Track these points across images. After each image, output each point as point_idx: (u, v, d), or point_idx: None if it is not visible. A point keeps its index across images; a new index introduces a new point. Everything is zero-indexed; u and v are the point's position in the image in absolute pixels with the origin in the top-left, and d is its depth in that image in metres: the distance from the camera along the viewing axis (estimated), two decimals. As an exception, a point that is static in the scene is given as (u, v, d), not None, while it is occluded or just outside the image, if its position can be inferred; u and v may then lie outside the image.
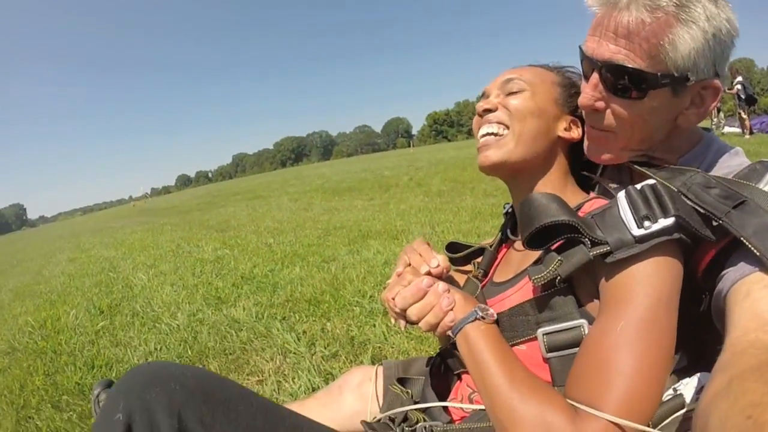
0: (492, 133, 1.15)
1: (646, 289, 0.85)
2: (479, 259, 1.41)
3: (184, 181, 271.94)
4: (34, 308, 6.17)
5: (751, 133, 16.52)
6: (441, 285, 1.06)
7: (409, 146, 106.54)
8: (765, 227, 0.79)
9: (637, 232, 0.86)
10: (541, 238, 0.95)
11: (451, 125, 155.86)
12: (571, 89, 1.19)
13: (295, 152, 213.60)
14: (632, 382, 0.79)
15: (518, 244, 1.19)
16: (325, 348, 3.01)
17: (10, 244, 33.08)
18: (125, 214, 31.37)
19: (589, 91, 1.08)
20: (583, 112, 1.16)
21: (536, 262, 1.01)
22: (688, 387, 0.88)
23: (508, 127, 1.14)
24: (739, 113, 17.32)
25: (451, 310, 1.03)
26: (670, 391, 0.89)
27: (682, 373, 0.93)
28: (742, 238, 0.79)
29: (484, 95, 1.22)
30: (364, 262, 5.08)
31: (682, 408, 0.86)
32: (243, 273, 5.58)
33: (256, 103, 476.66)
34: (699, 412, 0.66)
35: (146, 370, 1.03)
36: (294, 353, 3.03)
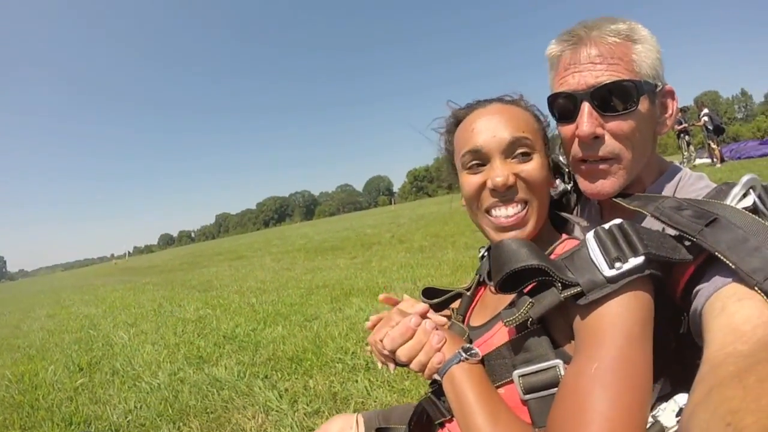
0: (516, 213, 1.11)
1: (618, 329, 0.84)
2: (457, 304, 1.41)
3: (167, 241, 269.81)
4: (11, 362, 6.08)
5: (722, 161, 17.10)
6: (429, 323, 1.06)
7: (391, 203, 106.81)
8: (738, 241, 0.81)
9: (609, 272, 0.87)
10: (514, 282, 0.95)
11: (431, 181, 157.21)
12: (545, 134, 1.20)
13: (278, 212, 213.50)
14: (610, 423, 0.78)
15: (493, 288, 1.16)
16: (308, 405, 3.02)
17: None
18: (107, 272, 31.01)
19: (586, 120, 1.12)
20: (577, 151, 1.19)
21: (510, 305, 1.02)
22: (666, 411, 0.88)
23: (526, 201, 1.12)
24: (709, 144, 17.94)
25: (441, 348, 1.03)
26: (649, 419, 0.88)
27: (663, 399, 0.93)
28: (717, 253, 0.81)
29: (477, 153, 1.13)
30: (347, 320, 5.10)
31: None
32: (225, 332, 5.56)
33: (239, 163, 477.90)
34: (681, 426, 0.67)
35: None
36: (276, 411, 3.03)
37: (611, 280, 0.87)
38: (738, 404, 0.55)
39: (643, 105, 1.13)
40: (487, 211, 1.14)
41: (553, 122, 1.24)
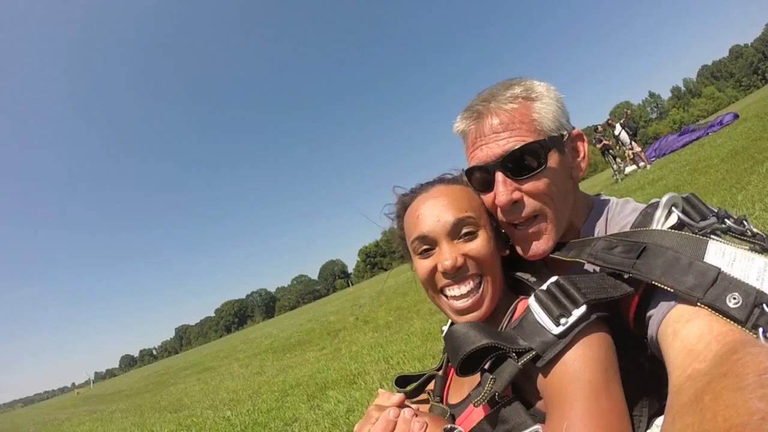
0: (470, 291, 1.16)
1: (581, 383, 0.87)
2: (431, 387, 1.42)
3: (129, 362, 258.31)
4: None
5: (649, 163, 17.94)
6: (407, 411, 1.07)
7: (349, 285, 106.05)
8: (670, 263, 0.85)
9: (557, 330, 0.91)
10: (474, 361, 0.97)
11: (384, 255, 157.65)
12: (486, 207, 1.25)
13: (237, 315, 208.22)
14: None
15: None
16: None
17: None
18: (70, 404, 29.25)
19: (502, 189, 1.17)
20: (502, 217, 1.23)
21: (479, 384, 1.03)
22: None
23: (480, 276, 1.17)
24: (631, 151, 18.81)
25: None
26: (654, 428, 0.92)
27: (656, 416, 0.95)
28: (653, 282, 0.85)
29: (425, 239, 1.19)
30: (327, 416, 4.94)
31: None
32: (203, 456, 5.24)
33: (191, 273, 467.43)
34: None
35: None
36: None
37: (561, 336, 0.91)
38: (698, 428, 0.58)
39: (553, 159, 1.19)
40: (443, 292, 1.19)
41: None
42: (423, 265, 1.20)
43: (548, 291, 0.98)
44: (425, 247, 1.20)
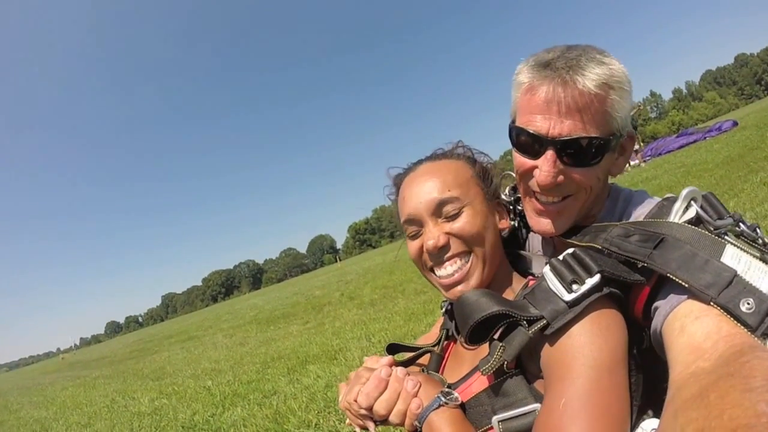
0: (457, 269, 1.14)
1: (583, 360, 0.84)
2: (425, 360, 1.39)
3: (114, 328, 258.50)
4: None
5: (644, 160, 18.13)
6: (399, 370, 1.06)
7: (336, 261, 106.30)
8: (686, 258, 0.82)
9: (568, 296, 0.88)
10: (481, 332, 0.95)
11: (373, 232, 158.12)
12: (486, 177, 1.21)
13: (224, 285, 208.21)
14: None
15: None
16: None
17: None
18: (54, 369, 29.46)
19: (548, 169, 1.10)
20: (534, 188, 1.16)
21: (486, 356, 0.98)
22: None
23: (468, 253, 1.14)
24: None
25: (417, 394, 1.02)
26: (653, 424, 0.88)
27: (641, 412, 0.92)
28: (668, 274, 0.82)
29: (412, 221, 1.17)
30: (306, 390, 5.01)
31: None
32: (183, 422, 5.34)
33: (181, 240, 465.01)
34: None
35: None
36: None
37: (572, 304, 0.88)
38: (702, 424, 0.57)
39: (607, 157, 1.13)
40: (432, 270, 1.18)
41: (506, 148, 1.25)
42: (412, 246, 1.19)
43: (563, 260, 0.96)
44: (413, 228, 1.18)
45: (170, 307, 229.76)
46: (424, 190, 1.15)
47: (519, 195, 1.27)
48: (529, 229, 1.35)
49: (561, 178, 1.12)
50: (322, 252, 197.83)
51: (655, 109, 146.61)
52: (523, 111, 1.16)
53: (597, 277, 0.88)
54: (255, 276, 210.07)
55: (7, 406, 13.28)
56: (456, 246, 1.13)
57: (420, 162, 1.26)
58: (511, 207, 1.32)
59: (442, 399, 0.99)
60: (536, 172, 1.14)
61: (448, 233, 1.12)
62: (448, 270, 1.14)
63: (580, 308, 0.87)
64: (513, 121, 1.20)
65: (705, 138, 17.65)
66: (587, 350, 0.84)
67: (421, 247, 1.15)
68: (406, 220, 1.18)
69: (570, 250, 0.98)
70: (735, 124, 17.67)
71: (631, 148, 1.24)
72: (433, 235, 1.12)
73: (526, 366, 0.99)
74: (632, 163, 18.65)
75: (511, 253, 1.31)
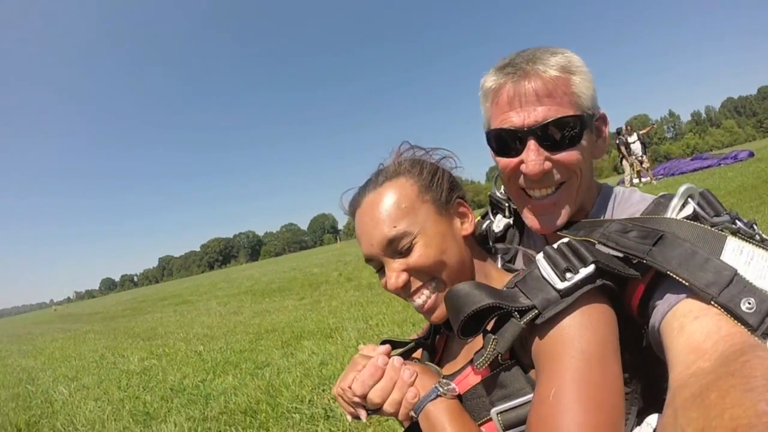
0: (426, 300, 1.11)
1: (573, 350, 0.83)
2: (418, 355, 1.37)
3: (109, 285, 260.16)
4: None
5: (655, 179, 18.18)
6: (397, 359, 1.04)
7: (336, 241, 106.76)
8: (687, 255, 0.81)
9: (561, 285, 0.87)
10: (474, 324, 0.93)
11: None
12: (434, 184, 1.15)
13: (222, 254, 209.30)
14: None
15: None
16: (266, 463, 2.82)
17: None
18: (46, 320, 29.74)
19: (534, 157, 1.13)
20: (524, 183, 1.19)
21: (480, 350, 0.97)
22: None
23: (432, 279, 1.11)
24: (641, 163, 19.00)
25: (414, 383, 1.00)
26: (645, 426, 0.88)
27: (640, 414, 0.92)
28: (669, 272, 0.81)
29: (371, 261, 1.15)
30: (300, 365, 4.93)
31: None
32: (172, 385, 5.28)
33: (181, 205, 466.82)
34: None
35: None
36: (232, 470, 2.83)
37: (564, 294, 0.87)
38: (702, 423, 0.56)
39: (586, 136, 1.16)
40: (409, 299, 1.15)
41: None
42: (383, 282, 1.15)
43: (558, 249, 0.94)
44: (375, 265, 1.16)
45: (166, 269, 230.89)
46: (371, 231, 1.11)
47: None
48: (522, 229, 1.39)
49: (548, 164, 1.14)
50: (323, 231, 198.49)
51: (672, 129, 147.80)
52: (495, 115, 1.21)
53: (591, 268, 0.87)
54: (253, 247, 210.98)
55: (-4, 354, 13.25)
56: (418, 278, 1.10)
57: (364, 190, 1.18)
58: (506, 206, 1.38)
59: (440, 389, 0.98)
60: (523, 166, 1.16)
61: (405, 270, 1.09)
62: (417, 302, 1.12)
63: (572, 299, 0.86)
64: (488, 129, 1.23)
65: (719, 164, 17.53)
66: (577, 342, 0.84)
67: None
68: (366, 259, 1.16)
69: (565, 240, 0.97)
70: (751, 154, 17.61)
71: (606, 130, 1.28)
72: (391, 276, 1.09)
73: (519, 356, 0.97)
74: (644, 180, 18.63)
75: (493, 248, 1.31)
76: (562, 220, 1.18)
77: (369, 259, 1.15)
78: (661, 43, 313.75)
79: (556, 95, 1.13)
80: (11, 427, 4.78)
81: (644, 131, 20.41)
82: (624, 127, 20.56)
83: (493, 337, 0.91)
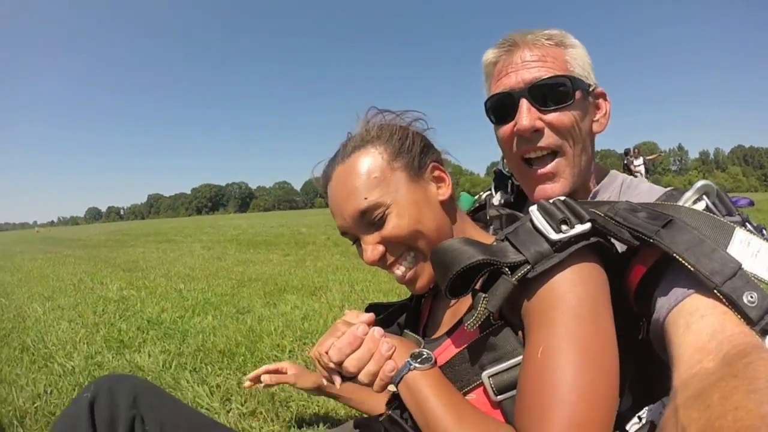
0: (407, 268, 1.11)
1: (567, 305, 0.83)
2: (401, 319, 1.36)
3: (94, 215, 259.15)
4: None
5: None
6: (377, 330, 1.02)
7: (327, 206, 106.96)
8: (694, 242, 0.80)
9: (555, 236, 0.86)
10: (462, 282, 0.92)
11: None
12: (405, 150, 1.12)
13: (212, 200, 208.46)
14: (569, 406, 0.75)
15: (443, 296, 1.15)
16: (242, 405, 2.79)
17: None
18: (27, 239, 29.81)
19: (525, 114, 1.18)
20: (518, 144, 1.23)
21: (469, 310, 0.96)
22: (652, 412, 0.85)
23: (410, 249, 1.10)
24: None
25: (392, 356, 0.98)
26: (635, 420, 0.85)
27: (630, 412, 0.89)
28: (675, 255, 0.80)
29: (346, 234, 1.15)
30: (282, 316, 4.87)
31: None
32: (150, 317, 5.19)
33: (176, 145, 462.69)
34: None
35: (112, 376, 1.42)
36: (207, 409, 2.79)
37: (558, 248, 0.86)
38: (704, 424, 0.56)
39: (579, 100, 1.21)
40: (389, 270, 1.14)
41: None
42: (360, 254, 1.14)
43: (554, 203, 0.93)
44: (350, 238, 1.16)
45: (154, 207, 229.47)
46: (343, 203, 1.10)
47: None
48: (521, 207, 1.41)
49: (539, 123, 1.19)
50: (315, 195, 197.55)
51: (678, 162, 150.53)
52: (491, 85, 1.30)
53: (587, 225, 0.87)
54: (244, 199, 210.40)
55: (-28, 267, 13.12)
56: (394, 249, 1.10)
57: (333, 162, 1.17)
58: (509, 182, 1.42)
59: (413, 363, 0.96)
60: (516, 127, 1.21)
61: (380, 242, 1.08)
62: (397, 273, 1.12)
63: (565, 254, 0.85)
64: (486, 100, 1.31)
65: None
66: (569, 297, 0.83)
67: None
68: (341, 233, 1.16)
69: (561, 197, 0.96)
70: (751, 203, 17.65)
71: (607, 107, 1.32)
72: (367, 249, 1.09)
73: (508, 316, 0.96)
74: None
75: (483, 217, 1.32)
76: (562, 189, 1.21)
77: (344, 233, 1.15)
78: (682, 80, 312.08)
79: (548, 59, 1.21)
80: (-21, 337, 4.69)
81: (651, 157, 20.78)
82: (632, 150, 20.74)
83: (484, 295, 0.90)
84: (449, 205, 1.15)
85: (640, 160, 20.00)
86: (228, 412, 2.74)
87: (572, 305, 0.82)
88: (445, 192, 1.14)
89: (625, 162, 19.97)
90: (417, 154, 1.12)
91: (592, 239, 0.87)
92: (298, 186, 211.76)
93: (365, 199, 1.05)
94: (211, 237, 18.54)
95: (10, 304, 6.57)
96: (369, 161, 1.08)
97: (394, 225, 1.05)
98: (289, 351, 3.73)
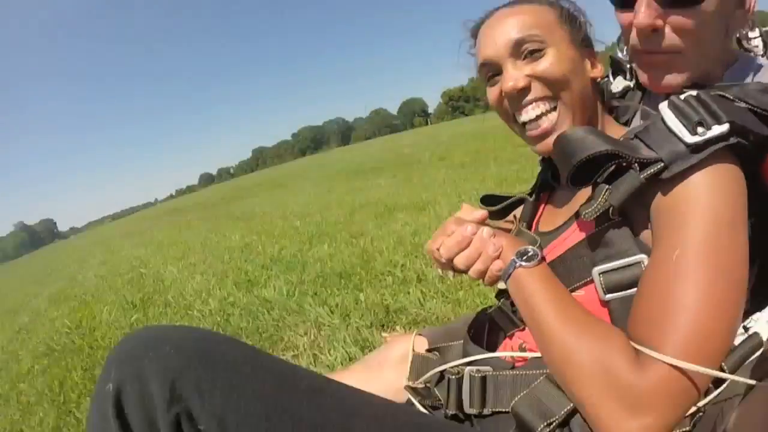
0: (542, 114, 1.03)
1: (703, 211, 0.76)
2: (518, 212, 1.31)
3: (207, 179, 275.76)
4: (69, 310, 6.24)
5: None
6: (486, 230, 0.98)
7: (427, 124, 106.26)
8: None
9: (691, 139, 0.77)
10: (585, 173, 0.87)
11: (467, 101, 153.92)
12: (574, 21, 1.06)
13: (313, 141, 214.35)
14: (695, 317, 0.71)
15: (563, 189, 1.08)
16: (360, 318, 2.92)
17: (44, 256, 33.86)
18: (152, 216, 32.14)
19: (644, 10, 0.98)
20: (637, 39, 1.04)
21: (588, 201, 0.91)
22: (760, 323, 0.80)
23: (553, 98, 1.02)
24: None
25: (499, 256, 0.96)
26: (740, 330, 0.79)
27: (751, 312, 0.83)
28: None
29: (488, 65, 1.06)
30: (393, 234, 4.99)
31: (760, 348, 0.77)
32: (272, 255, 5.53)
33: (270, 97, 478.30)
34: None
35: (141, 334, 0.87)
36: (328, 326, 2.96)
37: (695, 149, 0.78)
38: None
39: (711, 2, 0.96)
40: (515, 119, 1.07)
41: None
42: (491, 93, 1.08)
43: (686, 100, 0.83)
44: (491, 73, 1.06)
45: (260, 159, 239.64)
46: (501, 31, 1.03)
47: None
48: (643, 94, 1.23)
49: (659, 22, 0.99)
50: (413, 115, 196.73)
51: None
52: None
53: (726, 126, 0.76)
54: (344, 133, 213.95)
55: (111, 250, 14.47)
56: (538, 90, 1.01)
57: (495, 10, 1.10)
58: (627, 67, 1.25)
59: (518, 261, 0.93)
60: (634, 19, 1.02)
61: (529, 75, 1.00)
62: (530, 114, 1.03)
63: (704, 155, 0.77)
64: None
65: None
66: (707, 202, 0.77)
67: (501, 92, 1.05)
68: (482, 64, 1.07)
69: (693, 92, 0.85)
70: None
71: (751, 2, 1.09)
72: (513, 76, 1.00)
73: (630, 215, 0.90)
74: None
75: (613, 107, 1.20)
76: (675, 81, 1.03)
77: (486, 63, 1.05)
78: None
79: None
80: (128, 304, 5.25)
81: None
82: None
83: (607, 187, 0.85)
84: (596, 87, 1.11)
85: (756, 32, 17.66)
86: (347, 326, 2.88)
87: (712, 209, 0.76)
88: (598, 71, 1.09)
89: (738, 36, 17.74)
90: (581, 31, 1.07)
91: (731, 140, 0.78)
92: (394, 110, 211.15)
93: (530, 29, 1.00)
94: (319, 173, 19.24)
95: (149, 272, 7.24)
96: (539, 10, 1.04)
97: (551, 62, 0.99)
98: (402, 265, 3.81)
